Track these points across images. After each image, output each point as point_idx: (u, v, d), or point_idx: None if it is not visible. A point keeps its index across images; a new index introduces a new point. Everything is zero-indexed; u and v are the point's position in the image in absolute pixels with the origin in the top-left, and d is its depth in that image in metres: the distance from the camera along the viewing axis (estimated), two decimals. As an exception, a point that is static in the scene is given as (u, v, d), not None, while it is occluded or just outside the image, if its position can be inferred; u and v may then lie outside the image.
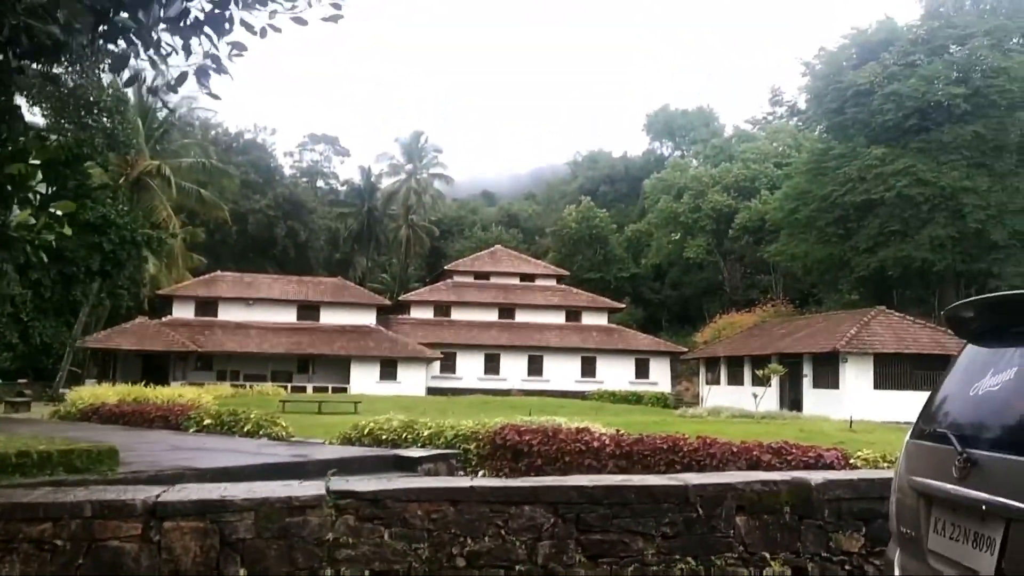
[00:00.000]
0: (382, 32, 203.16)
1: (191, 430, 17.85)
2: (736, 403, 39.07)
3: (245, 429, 17.33)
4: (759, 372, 36.17)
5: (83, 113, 24.34)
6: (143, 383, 40.07)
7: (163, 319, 53.29)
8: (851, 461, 11.49)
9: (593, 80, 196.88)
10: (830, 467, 11.40)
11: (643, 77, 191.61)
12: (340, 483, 5.47)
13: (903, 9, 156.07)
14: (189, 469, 8.84)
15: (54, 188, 19.30)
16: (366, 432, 15.81)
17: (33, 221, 5.92)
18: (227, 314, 54.64)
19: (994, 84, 43.46)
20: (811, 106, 56.91)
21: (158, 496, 5.12)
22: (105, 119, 24.22)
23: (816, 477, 6.19)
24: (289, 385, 50.96)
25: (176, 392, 36.05)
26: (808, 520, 5.90)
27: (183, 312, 54.22)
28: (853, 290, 51.62)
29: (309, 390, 50.30)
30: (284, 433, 17.57)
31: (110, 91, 23.96)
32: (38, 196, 6.14)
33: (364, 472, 10.38)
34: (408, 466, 10.83)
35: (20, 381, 48.94)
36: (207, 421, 17.91)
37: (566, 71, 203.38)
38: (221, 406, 20.80)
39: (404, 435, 15.37)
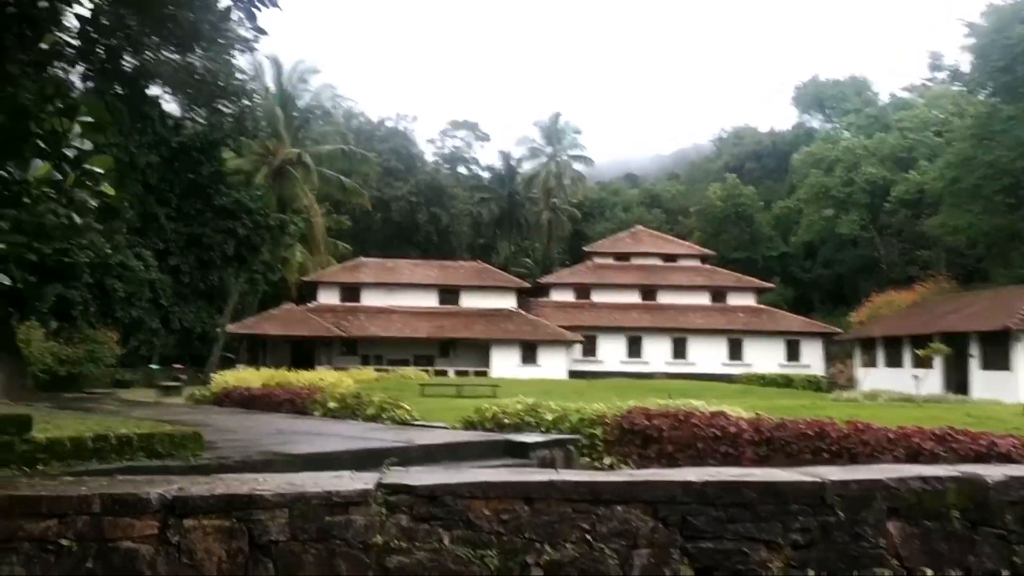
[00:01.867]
0: (522, 16, 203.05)
1: (316, 413, 17.52)
2: (895, 386, 36.53)
3: (368, 413, 16.85)
4: (920, 352, 33.58)
5: (214, 100, 24.45)
6: (291, 368, 40.83)
7: (309, 305, 54.28)
8: (1033, 451, 9.88)
9: (737, 54, 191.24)
10: (1007, 458, 9.88)
11: (790, 48, 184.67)
12: (395, 476, 4.60)
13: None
14: (280, 455, 8.18)
15: (191, 174, 19.21)
16: (489, 416, 15.04)
17: (59, 177, 5.27)
18: (370, 299, 55.20)
19: None
20: (976, 68, 52.73)
21: (180, 489, 4.36)
22: (233, 105, 24.27)
23: (994, 473, 4.89)
24: (431, 369, 51.07)
25: (318, 376, 36.40)
26: (984, 528, 4.63)
27: (328, 298, 55.04)
28: (1027, 264, 47.75)
29: (451, 373, 50.27)
30: (407, 417, 17.02)
31: (237, 75, 23.96)
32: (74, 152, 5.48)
33: (472, 459, 9.55)
34: (520, 452, 9.93)
35: (176, 366, 51.02)
36: (332, 405, 17.53)
37: (708, 46, 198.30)
38: (356, 390, 20.45)
39: (527, 419, 14.51)
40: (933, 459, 10.25)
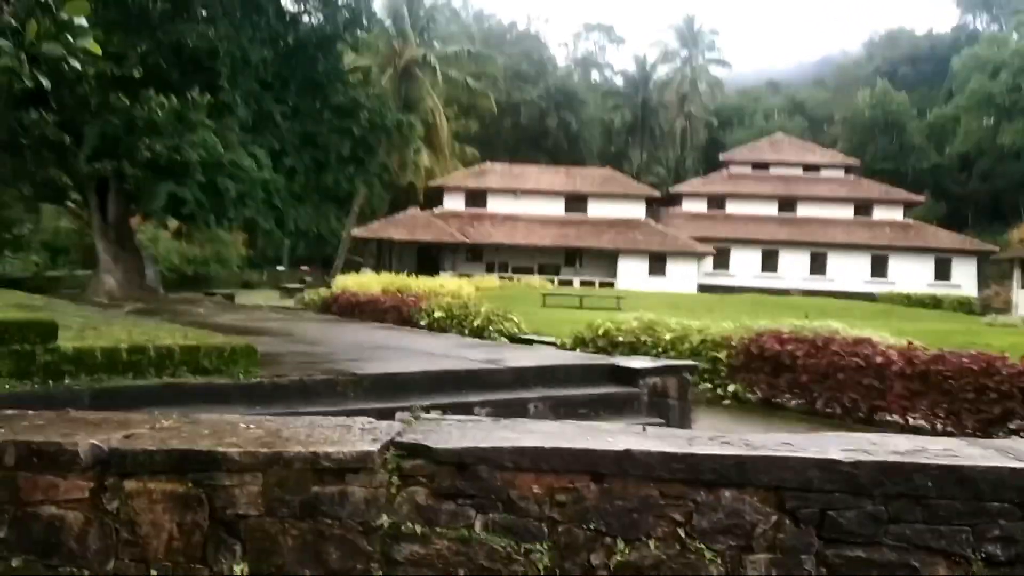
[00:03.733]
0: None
1: (422, 323, 16.61)
2: (1059, 311, 33.44)
3: (475, 324, 15.81)
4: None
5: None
6: (415, 273, 40.50)
7: (435, 210, 53.76)
8: None
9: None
10: None
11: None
12: (422, 429, 3.36)
13: None
14: (344, 375, 7.11)
15: (307, 71, 17.84)
16: (600, 333, 13.73)
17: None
18: (496, 205, 54.22)
19: None
20: None
21: (126, 439, 3.23)
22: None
23: None
24: (556, 279, 50.13)
25: (438, 283, 35.86)
26: None
27: (453, 203, 54.36)
28: None
29: (576, 284, 49.18)
30: (515, 330, 15.95)
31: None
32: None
33: (570, 385, 8.29)
34: (627, 379, 8.58)
35: (303, 268, 51.57)
36: (438, 315, 16.54)
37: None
38: (464, 301, 19.44)
39: (643, 338, 13.14)
40: None
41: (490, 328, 15.55)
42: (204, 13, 21.40)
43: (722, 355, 12.12)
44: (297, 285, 39.01)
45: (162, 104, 19.31)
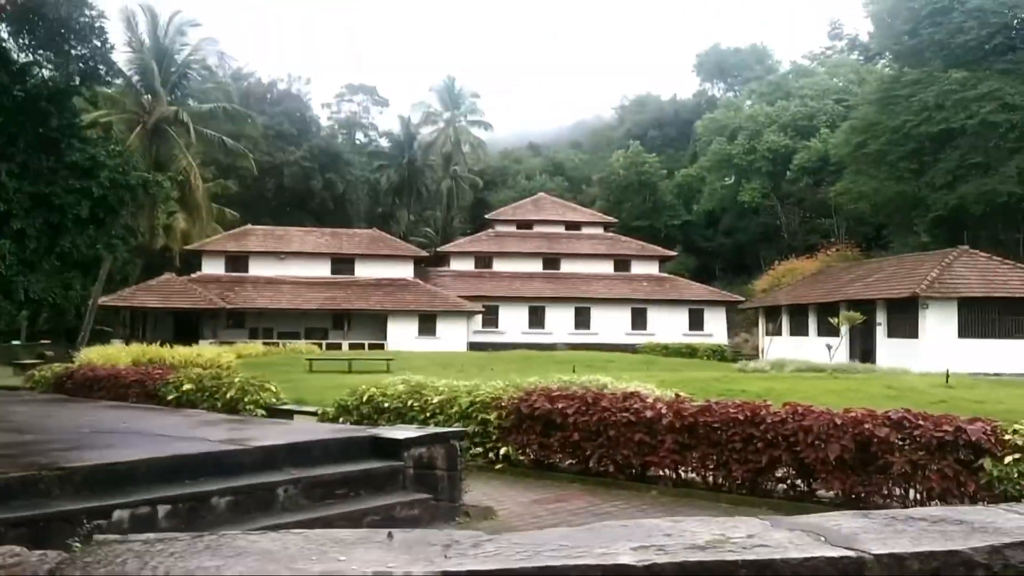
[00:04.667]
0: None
1: (170, 397, 15.13)
2: (800, 355, 35.70)
3: (228, 396, 14.55)
4: (833, 320, 32.60)
5: (64, 41, 21.47)
6: (167, 342, 37.89)
7: (192, 275, 51.00)
8: (1007, 438, 8.21)
9: (636, 23, 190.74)
10: (977, 447, 8.21)
11: (689, 17, 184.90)
12: (75, 568, 2.46)
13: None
14: (52, 468, 5.91)
15: (39, 127, 15.82)
16: (365, 400, 12.90)
17: None
18: (259, 269, 52.17)
19: (1091, -4, 38.89)
20: (877, 34, 52.46)
21: None
22: (85, 47, 21.32)
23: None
24: (324, 343, 48.62)
25: (195, 352, 33.68)
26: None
27: (213, 268, 51.81)
28: (927, 231, 47.31)
29: (345, 347, 47.88)
30: (272, 400, 14.81)
31: (89, 13, 21.02)
32: None
33: (325, 463, 7.42)
34: (390, 452, 7.82)
35: (43, 342, 47.26)
36: (186, 387, 15.10)
37: (607, 14, 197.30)
38: (214, 372, 18.01)
39: (410, 403, 12.43)
40: (888, 449, 8.58)
41: (245, 400, 14.34)
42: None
43: (492, 416, 11.59)
44: (35, 360, 35.47)
45: None
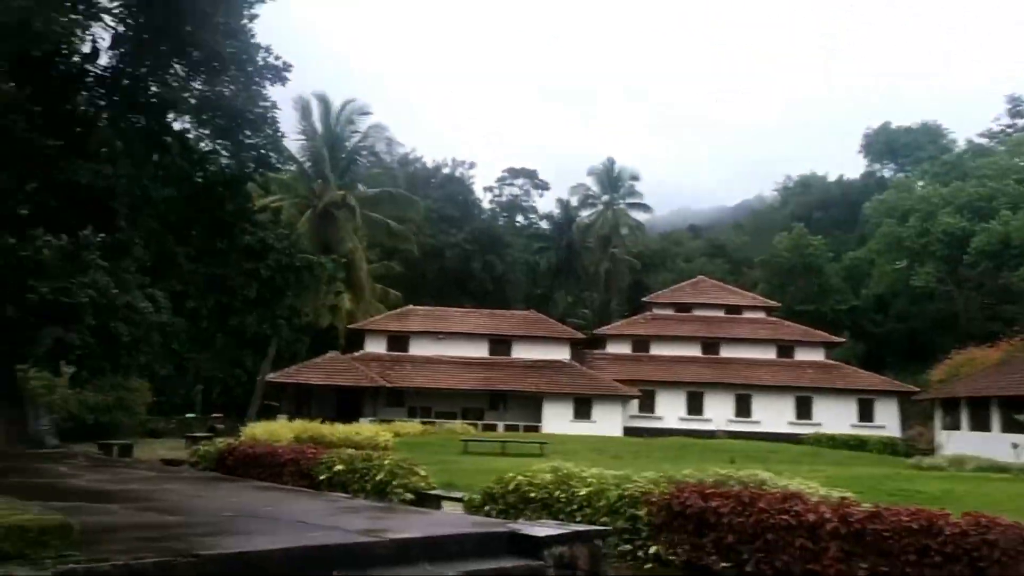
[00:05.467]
0: (582, 64, 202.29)
1: (322, 477, 15.29)
2: (982, 452, 33.13)
3: (377, 479, 14.55)
4: (1019, 417, 30.20)
5: (240, 131, 22.69)
6: (334, 419, 38.86)
7: (355, 353, 52.50)
8: None
9: (799, 102, 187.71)
10: None
11: (856, 93, 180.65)
12: None
13: None
14: (186, 556, 5.89)
15: (215, 211, 16.72)
16: (511, 488, 12.60)
17: None
18: (419, 348, 53.23)
19: None
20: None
21: None
22: (258, 136, 22.46)
23: None
24: (480, 423, 48.85)
25: (354, 430, 34.35)
26: None
27: (375, 346, 53.21)
28: None
29: (500, 428, 47.99)
30: (422, 485, 14.72)
31: (263, 104, 22.18)
32: None
33: (460, 559, 7.14)
34: (530, 550, 7.48)
35: (215, 415, 49.41)
36: (338, 467, 15.22)
37: (767, 94, 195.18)
38: (366, 454, 18.18)
39: (557, 494, 12.04)
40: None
41: (394, 484, 14.30)
42: (103, 151, 20.45)
43: (642, 512, 11.06)
44: (205, 433, 37.04)
45: (49, 243, 18.13)
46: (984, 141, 75.88)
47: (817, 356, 55.74)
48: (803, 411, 52.24)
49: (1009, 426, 34.74)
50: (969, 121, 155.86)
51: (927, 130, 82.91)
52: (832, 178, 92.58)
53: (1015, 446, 29.01)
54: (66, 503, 6.76)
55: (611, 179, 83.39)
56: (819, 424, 50.49)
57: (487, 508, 12.60)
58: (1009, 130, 74.97)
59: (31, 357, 21.00)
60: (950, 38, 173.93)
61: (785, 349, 55.93)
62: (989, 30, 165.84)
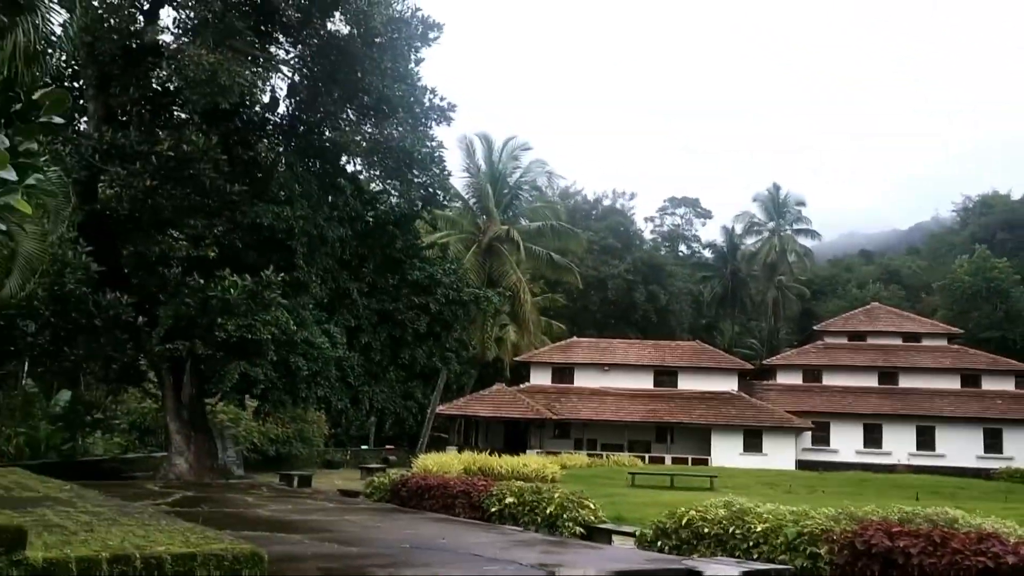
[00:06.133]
0: (744, 88, 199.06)
1: (492, 509, 15.45)
2: None
3: (547, 511, 14.56)
4: None
5: (408, 170, 23.52)
6: (502, 451, 39.29)
7: (521, 386, 52.97)
8: None
9: (975, 113, 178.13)
10: None
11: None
12: None
13: None
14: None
15: (385, 249, 17.49)
16: (683, 523, 12.36)
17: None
18: (583, 380, 53.18)
19: None
20: None
21: None
22: (425, 175, 23.22)
23: None
24: (647, 455, 48.21)
25: (522, 462, 34.52)
26: None
27: (540, 379, 53.54)
28: None
29: (667, 461, 47.26)
30: (591, 518, 14.62)
31: (429, 144, 22.93)
32: None
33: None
34: (707, 590, 7.31)
35: (388, 447, 50.79)
36: (509, 500, 15.33)
37: (942, 111, 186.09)
38: (534, 486, 18.23)
39: (731, 530, 11.73)
40: None
41: (564, 517, 14.27)
42: (282, 194, 21.59)
43: (823, 551, 10.63)
44: (379, 465, 38.10)
45: (235, 283, 19.17)
46: None
47: (1007, 385, 52.31)
48: (993, 444, 49.07)
49: None
50: None
51: (1124, 141, 77.22)
52: (1016, 196, 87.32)
53: None
54: (254, 532, 7.09)
55: (776, 205, 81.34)
56: (1011, 458, 47.24)
57: (659, 543, 12.42)
58: None
59: (219, 391, 22.22)
60: None
61: (970, 378, 52.77)
62: None
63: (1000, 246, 74.98)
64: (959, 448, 48.77)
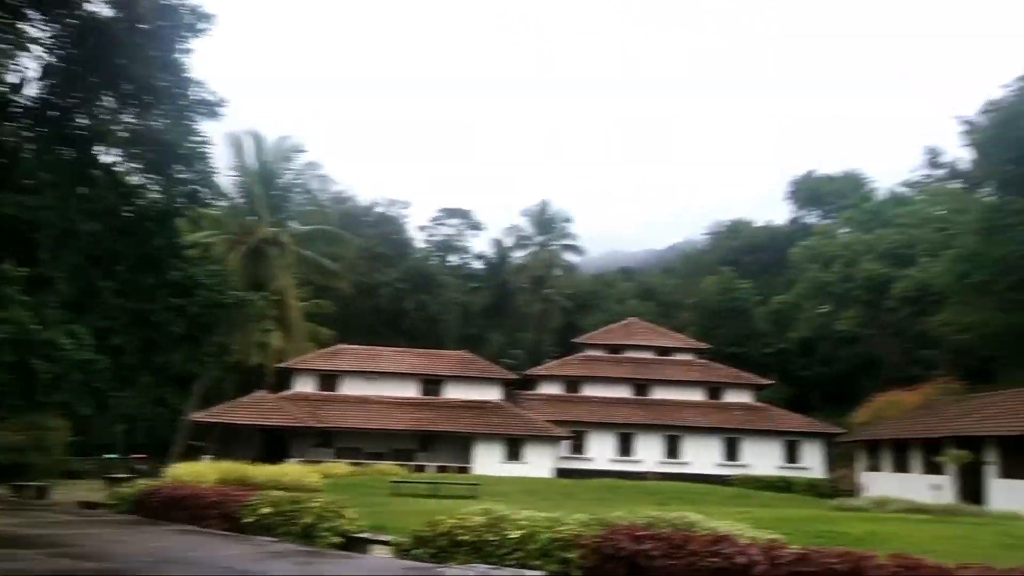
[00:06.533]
0: (517, 104, 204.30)
1: (249, 519, 14.93)
2: (903, 492, 33.84)
3: (304, 521, 14.24)
4: (938, 459, 30.91)
5: (170, 165, 22.34)
6: (261, 460, 38.11)
7: (284, 393, 51.67)
8: None
9: (730, 149, 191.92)
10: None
11: (783, 142, 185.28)
12: None
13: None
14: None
15: (142, 246, 16.31)
16: (442, 531, 12.46)
17: None
18: (349, 388, 52.61)
19: None
20: (978, 164, 51.47)
21: None
22: (190, 171, 22.15)
23: None
24: (410, 464, 48.25)
25: (281, 471, 33.67)
26: None
27: (304, 386, 52.46)
28: (1040, 365, 45.00)
29: (431, 469, 47.49)
30: (350, 528, 14.45)
31: (194, 139, 21.90)
32: None
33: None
34: (461, 596, 7.39)
35: (137, 456, 48.05)
36: (264, 510, 14.90)
37: (699, 140, 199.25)
38: (292, 496, 17.83)
39: (487, 536, 11.94)
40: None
41: (322, 527, 14.01)
42: (28, 183, 19.93)
43: (574, 555, 11.02)
44: (127, 475, 35.96)
45: (-32, 277, 17.54)
46: (904, 190, 78.36)
47: (746, 398, 56.55)
48: (731, 452, 52.86)
49: (929, 468, 35.52)
50: (890, 170, 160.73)
51: (849, 179, 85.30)
52: (760, 223, 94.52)
53: (935, 487, 29.58)
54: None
55: (545, 221, 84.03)
56: (747, 465, 51.19)
57: (417, 552, 12.44)
58: (928, 179, 77.54)
59: (-57, 394, 20.26)
60: (874, 85, 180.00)
61: (714, 391, 56.66)
62: (909, 79, 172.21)
63: (745, 268, 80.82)
64: (702, 456, 52.17)
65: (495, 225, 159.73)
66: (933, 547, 13.30)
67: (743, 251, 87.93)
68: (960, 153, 63.30)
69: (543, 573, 9.42)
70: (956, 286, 47.61)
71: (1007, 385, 44.63)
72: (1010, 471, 32.80)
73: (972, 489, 34.06)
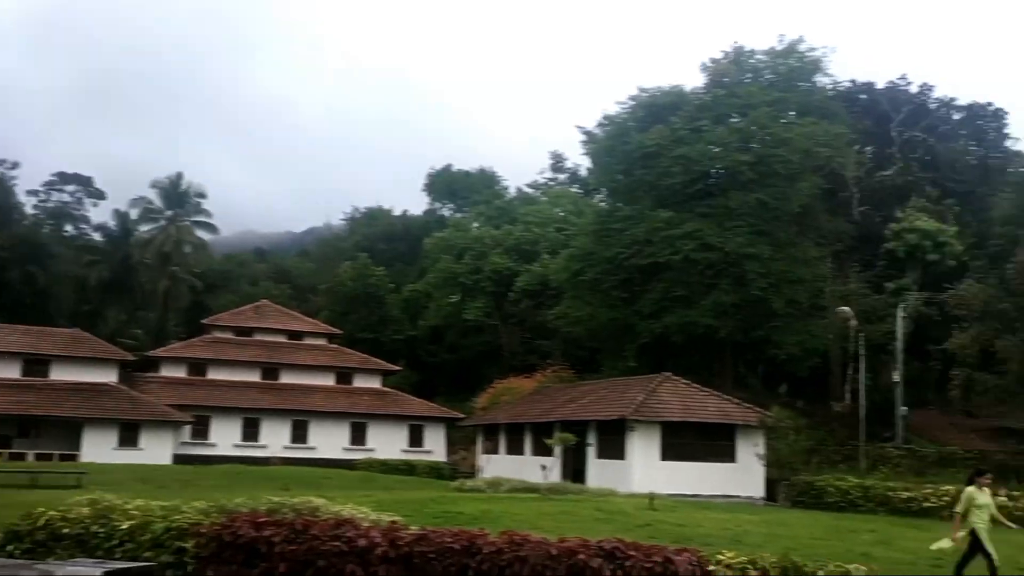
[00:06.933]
0: (149, 66, 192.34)
1: None
2: (517, 473, 36.30)
3: None
4: (548, 441, 33.40)
5: None
6: None
7: None
8: (711, 569, 8.39)
9: (369, 140, 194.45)
10: (684, 579, 8.32)
11: (424, 137, 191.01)
12: None
13: (688, 77, 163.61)
14: None
15: None
16: (40, 524, 11.33)
17: None
18: (-68, 367, 46.56)
19: (776, 154, 44.11)
20: (595, 168, 56.38)
21: None
22: None
23: None
24: (7, 452, 43.63)
25: None
26: None
27: None
28: (635, 357, 50.09)
29: (31, 458, 43.30)
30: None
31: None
32: None
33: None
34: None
35: None
36: None
37: (342, 131, 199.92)
38: None
39: (94, 528, 11.04)
40: (603, 581, 8.51)
41: None
42: None
43: (189, 545, 10.50)
44: None
45: None
46: (531, 191, 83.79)
47: (374, 383, 57.50)
48: (358, 437, 53.51)
49: (539, 450, 38.24)
50: (520, 171, 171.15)
51: (483, 176, 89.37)
52: (397, 212, 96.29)
53: (543, 467, 31.95)
54: None
55: (177, 194, 79.48)
56: (373, 450, 52.09)
57: (10, 548, 11.23)
58: (552, 183, 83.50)
59: None
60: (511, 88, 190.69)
61: (344, 376, 57.03)
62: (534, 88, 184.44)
63: (380, 256, 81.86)
64: (329, 441, 52.34)
65: (119, 195, 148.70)
66: (539, 523, 14.31)
67: (380, 238, 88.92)
68: (581, 160, 68.82)
69: (155, 564, 8.87)
70: (570, 282, 51.84)
71: (608, 374, 49.35)
72: (605, 452, 36.26)
73: (576, 468, 37.20)
